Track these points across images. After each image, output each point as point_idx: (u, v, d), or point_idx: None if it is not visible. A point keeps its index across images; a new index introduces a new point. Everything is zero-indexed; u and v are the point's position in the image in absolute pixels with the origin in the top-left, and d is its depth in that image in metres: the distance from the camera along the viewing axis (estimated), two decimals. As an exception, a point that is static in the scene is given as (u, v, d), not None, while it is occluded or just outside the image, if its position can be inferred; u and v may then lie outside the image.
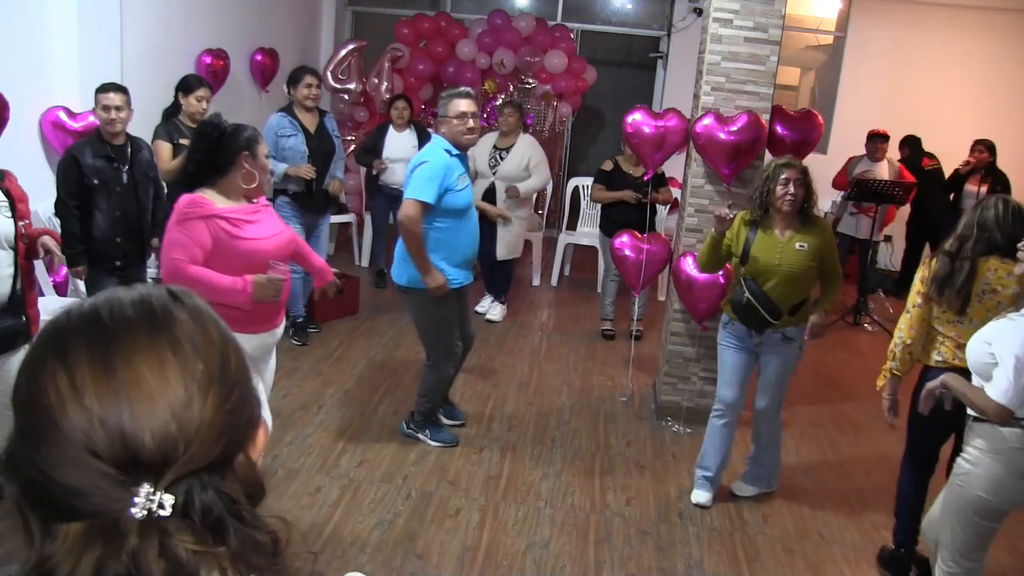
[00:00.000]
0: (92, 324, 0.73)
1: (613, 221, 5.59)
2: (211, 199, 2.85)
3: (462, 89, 3.87)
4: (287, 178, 4.98)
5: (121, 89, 3.92)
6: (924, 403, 2.75)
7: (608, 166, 5.81)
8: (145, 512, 0.67)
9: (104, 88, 3.89)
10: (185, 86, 4.61)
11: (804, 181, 3.42)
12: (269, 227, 2.98)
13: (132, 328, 0.73)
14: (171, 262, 2.76)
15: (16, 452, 0.70)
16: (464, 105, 3.71)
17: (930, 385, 2.69)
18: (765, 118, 4.20)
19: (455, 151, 3.74)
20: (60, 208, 3.88)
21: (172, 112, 4.66)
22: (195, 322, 0.76)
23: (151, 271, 4.89)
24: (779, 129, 4.34)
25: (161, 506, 0.68)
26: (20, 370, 0.73)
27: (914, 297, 3.07)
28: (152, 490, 0.68)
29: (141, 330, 0.73)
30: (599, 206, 7.21)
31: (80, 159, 3.82)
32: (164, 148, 4.46)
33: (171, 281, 2.73)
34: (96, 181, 3.86)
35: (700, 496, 3.77)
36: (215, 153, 2.85)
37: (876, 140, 7.06)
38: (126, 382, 0.69)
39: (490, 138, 6.02)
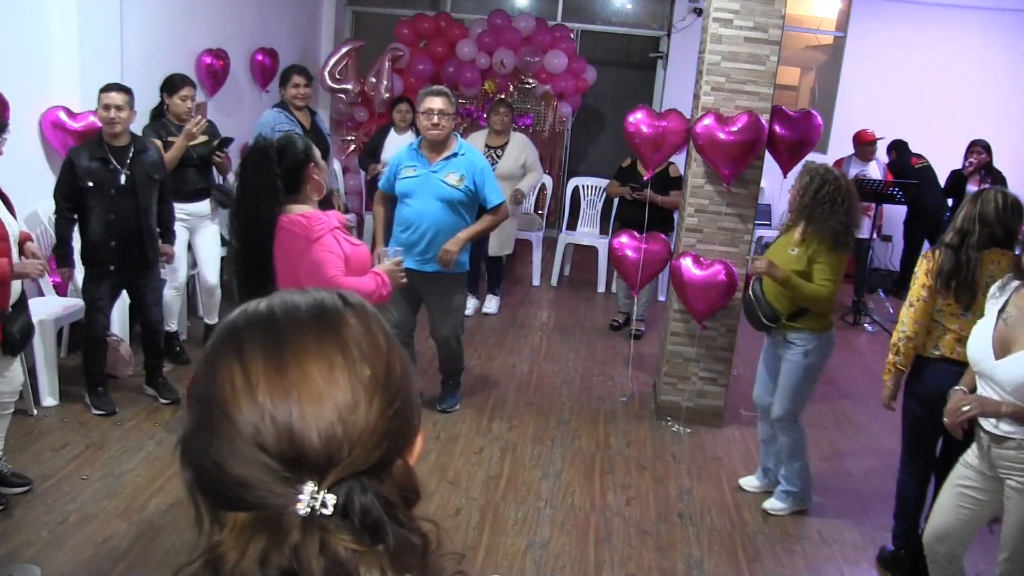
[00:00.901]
0: (267, 323, 0.76)
1: (622, 222, 5.63)
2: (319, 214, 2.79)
3: (434, 88, 4.11)
4: None
5: (124, 89, 3.93)
6: (954, 429, 2.64)
7: (626, 163, 5.89)
8: (308, 509, 0.69)
9: (107, 88, 3.90)
10: (169, 86, 4.59)
11: (805, 184, 3.41)
12: None
13: (304, 329, 0.75)
14: (328, 282, 2.67)
15: (191, 441, 0.74)
16: (428, 102, 3.98)
17: (968, 413, 2.54)
18: (765, 118, 4.20)
19: (415, 145, 4.10)
20: (55, 208, 3.94)
21: (159, 112, 4.65)
22: (363, 327, 0.78)
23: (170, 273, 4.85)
24: (779, 129, 4.34)
25: (324, 505, 0.70)
26: (199, 364, 0.77)
27: (919, 291, 3.02)
28: (316, 488, 0.70)
29: (312, 332, 0.75)
30: (600, 206, 7.26)
31: (76, 161, 3.84)
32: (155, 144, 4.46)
33: None
34: (90, 183, 3.85)
35: (746, 481, 3.94)
36: (290, 171, 2.71)
37: (866, 144, 7.15)
38: (296, 381, 0.72)
39: (480, 136, 6.09)
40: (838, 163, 7.25)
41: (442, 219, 4.04)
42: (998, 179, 6.80)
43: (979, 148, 6.90)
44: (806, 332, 3.50)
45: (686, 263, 4.33)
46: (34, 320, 3.99)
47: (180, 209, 4.60)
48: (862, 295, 6.84)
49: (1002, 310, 2.52)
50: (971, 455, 2.67)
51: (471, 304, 6.10)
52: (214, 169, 4.84)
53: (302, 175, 2.73)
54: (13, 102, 4.05)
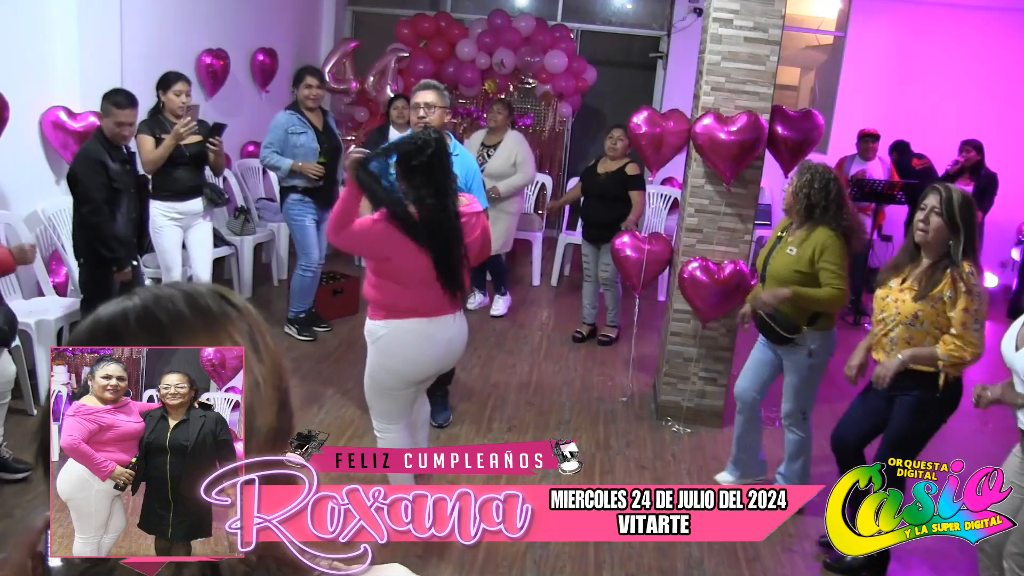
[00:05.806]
0: (151, 324, 0.74)
1: (587, 223, 5.79)
2: None
3: (425, 82, 4.05)
4: (293, 175, 5.01)
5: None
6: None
7: (591, 162, 5.85)
8: None
9: (121, 103, 3.91)
10: (163, 83, 4.57)
11: (803, 182, 3.43)
12: None
13: (194, 330, 0.75)
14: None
15: None
16: (418, 96, 3.92)
17: (984, 395, 2.64)
18: (765, 118, 4.20)
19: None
20: (95, 214, 3.86)
21: (157, 110, 4.65)
22: (252, 327, 0.79)
23: (148, 270, 4.89)
24: (779, 129, 4.34)
25: None
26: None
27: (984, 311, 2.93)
28: None
29: (203, 332, 0.75)
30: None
31: (106, 164, 3.88)
32: (147, 141, 4.44)
33: None
34: (120, 186, 3.94)
35: (720, 476, 3.96)
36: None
37: (867, 140, 7.10)
38: None
39: (479, 136, 6.13)
40: (839, 162, 7.24)
41: None
42: (987, 179, 6.80)
43: (969, 147, 6.89)
44: (809, 331, 3.52)
45: (691, 266, 4.32)
46: (33, 320, 4.02)
47: (173, 208, 4.61)
48: (861, 295, 6.82)
49: None
50: (1014, 455, 2.74)
51: (476, 299, 6.20)
52: (206, 169, 4.81)
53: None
54: (13, 102, 4.05)
